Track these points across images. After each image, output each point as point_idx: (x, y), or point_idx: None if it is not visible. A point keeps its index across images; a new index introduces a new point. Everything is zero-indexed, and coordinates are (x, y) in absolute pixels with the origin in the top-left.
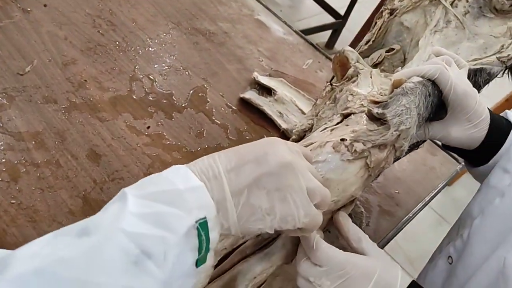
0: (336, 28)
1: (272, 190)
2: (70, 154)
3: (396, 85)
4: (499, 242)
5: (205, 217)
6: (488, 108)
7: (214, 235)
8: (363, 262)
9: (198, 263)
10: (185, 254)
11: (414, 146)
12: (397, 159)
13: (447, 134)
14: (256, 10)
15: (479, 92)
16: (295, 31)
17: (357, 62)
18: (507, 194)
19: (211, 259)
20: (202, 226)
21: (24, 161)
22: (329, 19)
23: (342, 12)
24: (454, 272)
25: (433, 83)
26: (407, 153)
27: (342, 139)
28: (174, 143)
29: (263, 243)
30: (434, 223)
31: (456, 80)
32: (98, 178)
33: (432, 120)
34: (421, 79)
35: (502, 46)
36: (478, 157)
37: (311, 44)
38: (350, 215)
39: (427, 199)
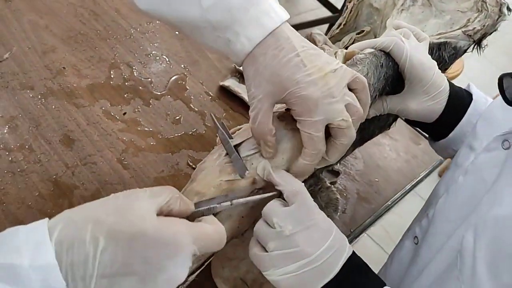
0: (333, 22)
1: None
2: (44, 139)
3: (348, 57)
4: (460, 220)
5: None
6: (449, 81)
7: None
8: (325, 217)
9: None
10: None
11: (383, 125)
12: (364, 140)
13: (405, 107)
14: None
15: (447, 68)
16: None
17: (325, 44)
18: (470, 172)
19: None
20: None
21: None
22: (326, 13)
23: (339, 6)
24: (419, 252)
25: (388, 54)
26: (378, 132)
27: (287, 109)
28: (149, 129)
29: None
30: None
31: (412, 51)
32: (70, 162)
33: (390, 94)
34: (373, 50)
35: (468, 20)
36: (439, 131)
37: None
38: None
39: (408, 187)
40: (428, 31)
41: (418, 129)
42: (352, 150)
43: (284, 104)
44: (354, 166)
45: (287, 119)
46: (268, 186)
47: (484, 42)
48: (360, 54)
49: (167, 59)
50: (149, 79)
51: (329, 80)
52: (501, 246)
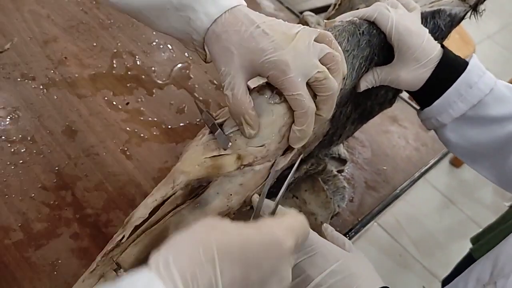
0: None
1: None
2: (46, 130)
3: (328, 27)
4: None
5: None
6: (449, 50)
7: None
8: (331, 246)
9: None
10: None
11: (382, 101)
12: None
13: (396, 77)
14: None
15: (444, 37)
16: (287, 7)
17: (317, 24)
18: None
19: None
20: None
21: None
22: None
23: None
24: None
25: (373, 23)
26: (378, 109)
27: (267, 83)
28: (153, 119)
29: (195, 192)
30: (440, 205)
31: (399, 19)
32: (73, 154)
33: (382, 65)
34: (352, 18)
35: None
36: (426, 99)
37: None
38: (333, 191)
39: (416, 175)
40: (421, 2)
41: None
42: (354, 128)
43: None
44: (362, 154)
45: (269, 92)
46: (256, 162)
47: (482, 7)
48: (337, 23)
49: (170, 47)
50: (152, 68)
51: (294, 42)
52: None
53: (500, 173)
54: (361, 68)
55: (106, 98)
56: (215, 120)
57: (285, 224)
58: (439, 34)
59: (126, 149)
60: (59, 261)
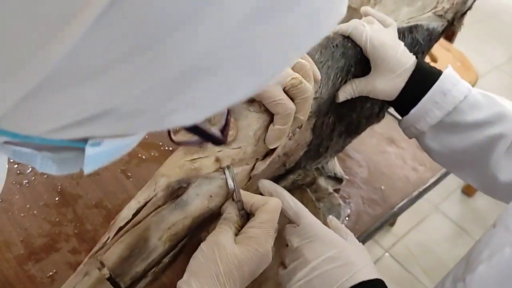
0: None
1: None
2: None
3: None
4: None
5: None
6: (424, 62)
7: None
8: (332, 235)
9: None
10: None
11: (368, 115)
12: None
13: (373, 88)
14: None
15: (424, 51)
16: None
17: None
18: None
19: None
20: None
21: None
22: None
23: None
24: None
25: (348, 38)
26: (366, 123)
27: None
28: (152, 141)
29: (175, 193)
30: (453, 234)
31: (373, 33)
32: (75, 174)
33: (360, 77)
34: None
35: (437, 1)
36: (403, 108)
37: None
38: (328, 208)
39: (414, 194)
40: (400, 19)
41: None
42: (343, 142)
43: None
44: (359, 174)
45: (249, 101)
46: (234, 163)
47: (464, 21)
48: None
49: None
50: None
51: None
52: None
53: (483, 179)
54: (337, 78)
55: None
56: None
57: (264, 228)
58: (419, 48)
59: (125, 169)
60: (57, 274)
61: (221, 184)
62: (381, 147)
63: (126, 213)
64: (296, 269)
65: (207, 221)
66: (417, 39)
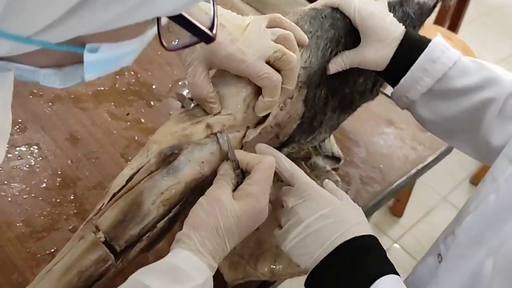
0: None
1: None
2: (50, 138)
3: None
4: (484, 245)
5: None
6: (413, 32)
7: None
8: (326, 194)
9: None
10: None
11: (362, 90)
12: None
13: (363, 58)
14: (245, 12)
15: (415, 25)
16: None
17: None
18: (503, 189)
19: None
20: None
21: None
22: None
23: None
24: (439, 272)
25: (336, 9)
26: (359, 98)
27: None
28: (150, 125)
29: (167, 160)
30: None
31: (361, 5)
32: (75, 158)
33: (351, 49)
34: (316, 6)
35: None
36: (394, 77)
37: None
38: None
39: (413, 171)
40: None
41: None
42: (337, 118)
43: None
44: (357, 154)
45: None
46: (224, 129)
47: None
48: (299, 9)
49: (170, 66)
50: (153, 86)
51: (247, 31)
52: None
53: (476, 146)
54: (327, 49)
55: (107, 110)
56: (187, 96)
57: (260, 186)
58: (410, 22)
59: (124, 153)
60: (57, 251)
61: (213, 151)
62: (380, 129)
63: (120, 180)
64: (291, 228)
65: (201, 189)
66: (408, 13)
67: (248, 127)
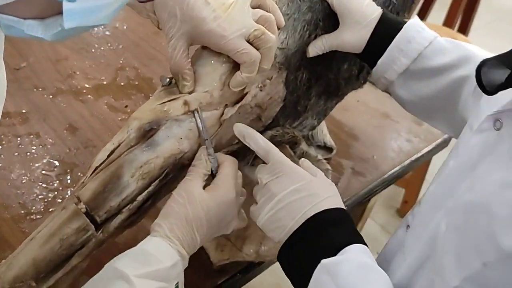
0: None
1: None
2: (50, 128)
3: None
4: (440, 208)
5: (177, 283)
6: (386, 12)
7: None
8: (300, 170)
9: None
10: None
11: (347, 76)
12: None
13: (341, 41)
14: None
15: (399, 11)
16: None
17: None
18: (460, 155)
19: None
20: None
21: (8, 133)
22: None
23: None
24: (405, 240)
25: None
26: (345, 84)
27: None
28: None
29: (147, 135)
30: None
31: None
32: (73, 146)
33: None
34: None
35: None
36: (372, 59)
37: None
38: None
39: (406, 162)
40: None
41: None
42: (324, 104)
43: None
44: (351, 145)
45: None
46: (202, 107)
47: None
48: None
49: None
50: (153, 80)
51: (231, 9)
52: (466, 234)
53: (454, 124)
54: (305, 31)
55: (106, 102)
56: (168, 77)
57: (228, 177)
58: (393, 8)
59: None
60: None
61: (191, 128)
62: (376, 122)
63: (102, 154)
64: (264, 203)
65: (182, 166)
66: None
67: (226, 106)
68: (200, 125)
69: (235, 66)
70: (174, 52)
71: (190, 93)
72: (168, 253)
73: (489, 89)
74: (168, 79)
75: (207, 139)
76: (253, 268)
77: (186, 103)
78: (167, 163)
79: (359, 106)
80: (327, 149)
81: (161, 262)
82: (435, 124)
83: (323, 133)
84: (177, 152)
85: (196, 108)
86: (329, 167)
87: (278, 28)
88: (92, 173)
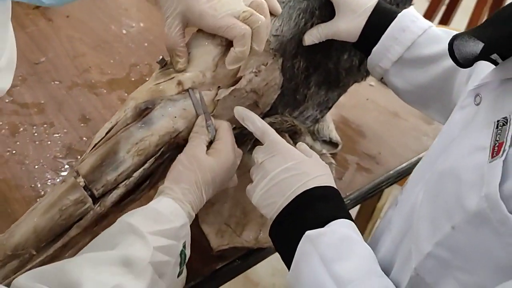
0: None
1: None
2: (64, 118)
3: None
4: (421, 181)
5: (185, 242)
6: (382, 1)
7: (188, 252)
8: (294, 150)
9: (179, 275)
10: (175, 269)
11: (348, 67)
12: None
13: (337, 30)
14: None
15: (404, 2)
16: None
17: None
18: (444, 132)
19: (185, 272)
20: (184, 247)
21: (24, 122)
22: None
23: None
24: (392, 217)
25: None
26: (346, 75)
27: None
28: None
29: (143, 114)
30: None
31: None
32: (85, 135)
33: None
34: None
35: None
36: (367, 47)
37: None
38: None
39: (413, 159)
40: None
41: None
42: (324, 94)
43: None
44: (357, 141)
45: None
46: (195, 86)
47: None
48: None
49: None
50: None
51: None
52: (438, 200)
53: (449, 113)
54: (300, 19)
55: (119, 96)
56: (165, 60)
57: (227, 142)
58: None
59: None
60: None
61: (185, 107)
62: (384, 119)
63: (101, 132)
64: (259, 182)
65: (177, 145)
66: None
67: (219, 87)
68: (194, 100)
69: (228, 49)
70: (170, 30)
71: (183, 71)
72: (178, 215)
73: (463, 62)
74: (161, 57)
75: (205, 112)
76: (251, 254)
77: (179, 83)
78: (162, 141)
79: (368, 104)
80: (333, 144)
81: (172, 222)
82: (431, 113)
83: (329, 128)
84: (171, 130)
85: (192, 87)
86: (333, 161)
87: (275, 15)
88: (91, 149)
